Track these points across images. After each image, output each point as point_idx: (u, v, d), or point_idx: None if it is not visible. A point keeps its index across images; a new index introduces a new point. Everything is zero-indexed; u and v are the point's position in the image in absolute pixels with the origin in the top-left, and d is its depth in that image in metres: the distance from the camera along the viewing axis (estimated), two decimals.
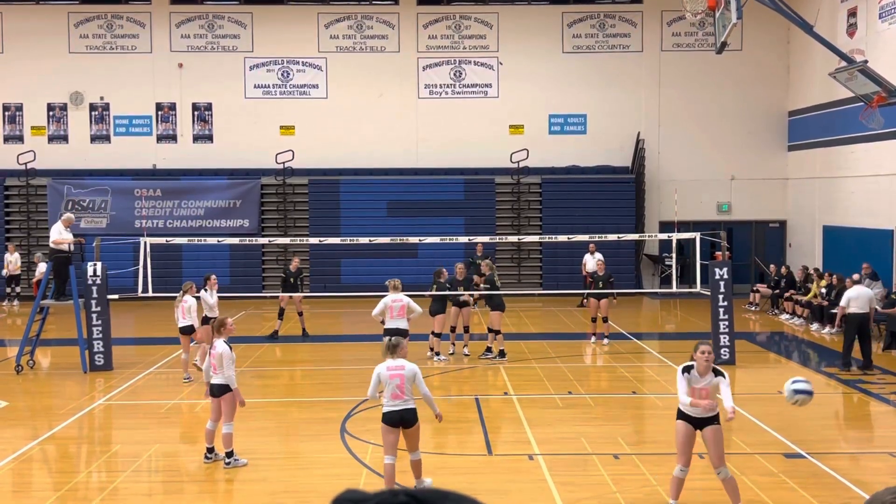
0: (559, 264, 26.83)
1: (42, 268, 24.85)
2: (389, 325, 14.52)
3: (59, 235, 16.96)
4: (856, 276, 18.02)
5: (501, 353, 17.26)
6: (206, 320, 15.80)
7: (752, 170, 28.52)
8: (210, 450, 10.97)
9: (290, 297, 19.83)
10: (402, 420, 9.53)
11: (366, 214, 27.31)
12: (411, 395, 9.58)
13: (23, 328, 17.21)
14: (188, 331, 15.49)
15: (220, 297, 16.62)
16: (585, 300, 19.28)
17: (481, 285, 17.68)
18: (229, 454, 10.82)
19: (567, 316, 22.86)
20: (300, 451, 11.65)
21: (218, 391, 10.78)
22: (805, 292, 22.35)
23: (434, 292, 16.92)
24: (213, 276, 16.64)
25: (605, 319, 18.86)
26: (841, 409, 13.98)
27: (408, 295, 15.06)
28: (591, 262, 24.92)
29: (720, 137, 28.50)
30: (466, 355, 17.63)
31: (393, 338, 9.99)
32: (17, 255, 26.06)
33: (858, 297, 16.33)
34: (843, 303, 16.49)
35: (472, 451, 11.44)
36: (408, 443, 9.71)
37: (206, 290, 16.27)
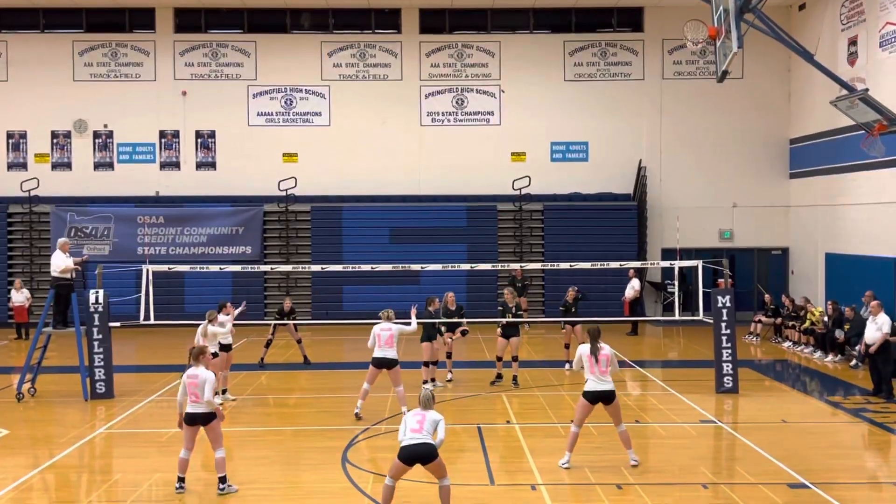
0: (561, 291, 26.70)
1: (16, 296, 24.83)
2: (377, 353, 14.49)
3: (64, 262, 16.95)
4: (875, 303, 17.72)
5: (515, 380, 17.51)
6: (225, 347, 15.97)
7: (754, 197, 28.57)
8: (182, 479, 10.93)
9: (284, 325, 20.00)
10: (417, 457, 9.52)
11: (368, 241, 27.34)
12: (429, 432, 9.60)
13: (24, 356, 17.17)
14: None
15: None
16: (563, 328, 19.60)
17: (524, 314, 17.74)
18: (223, 479, 10.79)
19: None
20: (301, 481, 11.58)
21: (203, 420, 10.74)
22: (802, 321, 22.30)
23: (424, 320, 16.93)
24: (228, 304, 16.78)
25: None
26: (846, 439, 13.89)
27: (411, 322, 15.06)
28: (629, 289, 25.08)
29: (722, 165, 28.58)
30: (449, 381, 17.65)
31: (428, 393, 10.01)
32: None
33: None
34: (887, 329, 16.55)
35: (475, 481, 11.37)
36: (434, 474, 9.74)
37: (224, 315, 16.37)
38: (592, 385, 11.68)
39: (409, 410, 10.02)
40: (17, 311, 25.05)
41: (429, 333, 17.00)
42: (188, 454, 10.94)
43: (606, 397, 11.68)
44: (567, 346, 19.36)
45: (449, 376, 17.85)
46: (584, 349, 11.86)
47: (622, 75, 28.85)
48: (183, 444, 10.96)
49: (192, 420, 10.84)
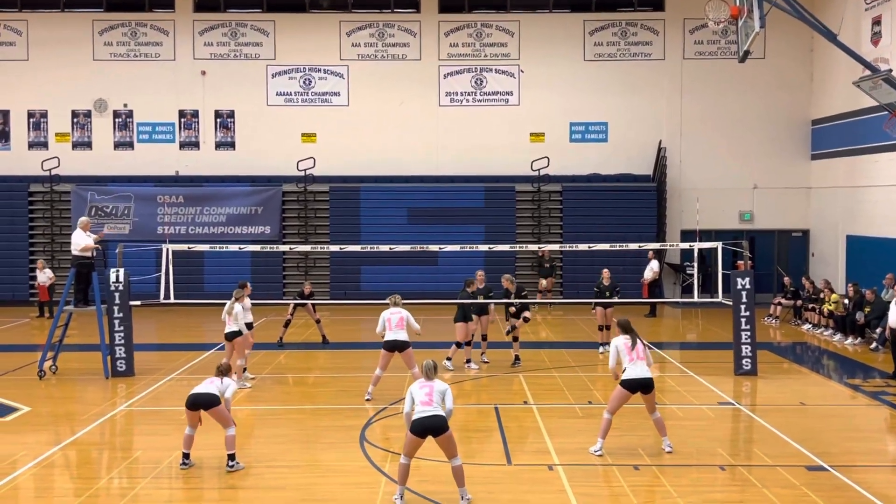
0: (579, 273, 26.73)
1: (40, 276, 25.05)
2: (389, 336, 14.39)
3: (84, 241, 17.06)
4: None
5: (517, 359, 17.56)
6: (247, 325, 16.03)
7: (775, 178, 28.37)
8: (186, 455, 11.08)
9: (303, 305, 20.04)
10: (429, 429, 9.61)
11: (386, 222, 27.36)
12: (439, 403, 9.71)
13: (46, 334, 17.34)
14: (232, 336, 15.61)
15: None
16: (593, 309, 19.36)
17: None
18: (232, 457, 10.92)
19: (587, 325, 22.76)
20: (319, 459, 11.66)
21: (205, 404, 10.87)
22: (821, 304, 22.16)
23: (461, 300, 17.01)
24: (248, 284, 16.75)
25: (607, 328, 18.90)
26: (865, 422, 13.83)
27: (429, 303, 15.09)
28: (648, 270, 24.98)
29: (742, 146, 28.37)
30: (486, 362, 17.60)
31: (431, 361, 10.14)
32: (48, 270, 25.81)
33: None
34: None
35: (491, 461, 11.41)
36: (444, 451, 9.80)
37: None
38: (632, 373, 11.43)
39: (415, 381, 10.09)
40: (41, 290, 25.26)
41: (464, 314, 17.01)
42: (193, 431, 11.09)
43: (646, 386, 11.44)
44: (601, 329, 19.10)
45: (484, 358, 17.75)
46: (616, 341, 11.77)
47: (642, 55, 28.64)
48: (188, 423, 11.12)
49: (194, 404, 10.91)
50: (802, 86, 28.35)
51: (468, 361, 17.22)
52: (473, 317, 17.34)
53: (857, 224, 24.98)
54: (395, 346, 14.37)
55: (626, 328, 11.81)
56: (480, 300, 17.27)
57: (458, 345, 17.10)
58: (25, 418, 13.88)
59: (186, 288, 22.75)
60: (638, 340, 11.71)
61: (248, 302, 16.33)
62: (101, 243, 17.86)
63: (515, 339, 17.53)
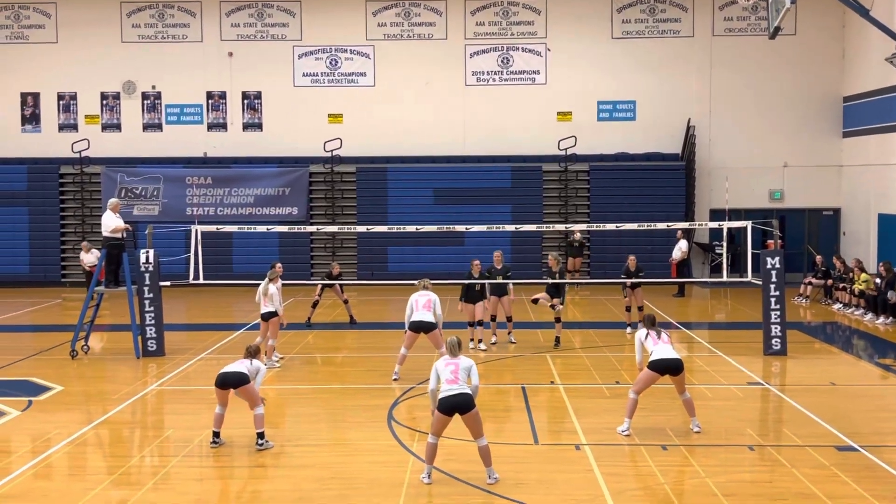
0: (607, 252, 26.63)
1: (86, 258, 25.20)
2: (415, 317, 14.34)
3: (114, 222, 17.21)
4: None
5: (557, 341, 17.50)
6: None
7: (806, 156, 28.04)
8: (216, 434, 11.20)
9: (331, 286, 20.08)
10: (456, 406, 9.66)
11: (413, 202, 27.38)
12: (465, 381, 9.76)
13: (78, 314, 17.55)
14: (268, 317, 15.72)
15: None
16: (625, 290, 19.19)
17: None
18: (261, 435, 11.03)
19: (615, 305, 22.70)
20: (347, 438, 11.74)
21: (234, 383, 10.95)
22: (852, 283, 21.92)
23: (467, 281, 17.08)
24: (278, 265, 16.74)
25: (639, 308, 18.78)
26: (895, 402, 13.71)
27: (456, 283, 15.09)
28: (677, 250, 24.87)
29: (773, 124, 28.05)
30: (513, 343, 17.60)
31: (455, 337, 10.20)
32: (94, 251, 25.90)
33: None
34: None
35: (519, 440, 11.43)
36: (470, 429, 9.85)
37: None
38: (660, 354, 11.38)
39: (440, 357, 10.17)
40: (92, 270, 25.28)
41: (470, 295, 17.05)
42: (223, 410, 11.21)
43: (675, 368, 11.35)
44: (628, 309, 19.07)
45: (511, 338, 17.78)
46: (640, 334, 11.82)
47: (671, 32, 28.34)
48: (217, 401, 11.23)
49: (223, 383, 11.02)
50: (834, 62, 27.94)
51: (479, 341, 17.23)
52: (493, 298, 17.32)
53: (890, 202, 24.65)
54: (421, 327, 14.36)
55: (651, 324, 11.82)
56: (499, 280, 17.22)
57: (471, 324, 17.23)
58: (58, 397, 14.08)
59: (215, 268, 22.91)
60: (662, 332, 11.72)
61: (280, 283, 16.39)
62: (130, 224, 18.02)
63: (558, 319, 17.48)
